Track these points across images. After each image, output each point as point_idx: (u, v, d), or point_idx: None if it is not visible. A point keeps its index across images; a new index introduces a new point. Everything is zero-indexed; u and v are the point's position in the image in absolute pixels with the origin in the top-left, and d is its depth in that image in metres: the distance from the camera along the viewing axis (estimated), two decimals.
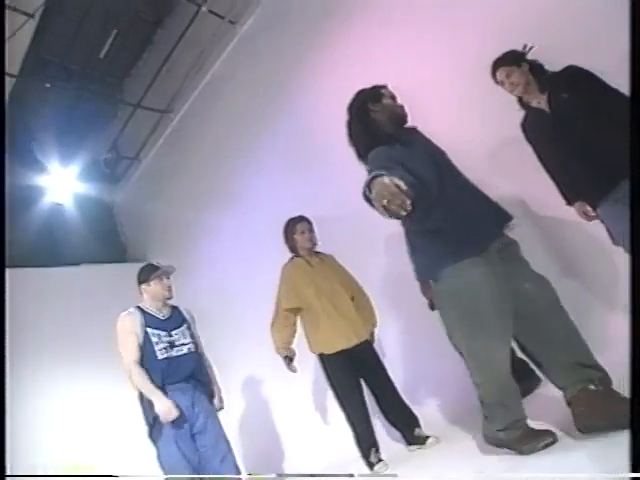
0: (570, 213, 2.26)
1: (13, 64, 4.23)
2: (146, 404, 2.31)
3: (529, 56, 2.24)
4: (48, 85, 4.96)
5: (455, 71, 2.90)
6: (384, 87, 2.00)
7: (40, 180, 5.01)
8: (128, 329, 2.38)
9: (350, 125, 2.00)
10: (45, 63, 4.98)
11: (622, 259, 2.09)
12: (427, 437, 2.56)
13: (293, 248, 2.87)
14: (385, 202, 1.38)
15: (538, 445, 1.64)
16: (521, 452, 1.66)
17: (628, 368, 0.99)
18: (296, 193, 3.77)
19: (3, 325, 1.68)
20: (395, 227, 1.94)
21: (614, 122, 1.99)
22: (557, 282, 2.67)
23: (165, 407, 2.23)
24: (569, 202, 2.24)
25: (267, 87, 4.16)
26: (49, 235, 5.25)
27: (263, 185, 4.17)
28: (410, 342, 3.21)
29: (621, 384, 1.80)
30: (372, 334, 2.79)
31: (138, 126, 5.30)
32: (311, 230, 2.87)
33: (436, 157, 1.90)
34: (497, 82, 2.24)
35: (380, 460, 2.55)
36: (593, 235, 2.35)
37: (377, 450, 2.58)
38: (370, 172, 1.78)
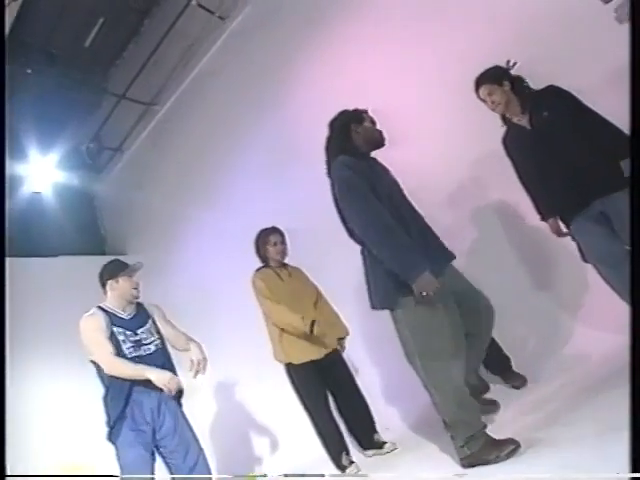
0: (545, 227, 2.32)
1: None
2: (110, 405, 2.22)
3: (513, 71, 2.28)
4: (29, 71, 4.84)
5: (441, 83, 2.94)
6: (365, 111, 2.07)
7: (18, 168, 4.89)
8: (94, 328, 2.25)
9: (330, 140, 2.05)
10: (27, 48, 4.84)
11: (592, 275, 2.16)
12: (384, 442, 2.65)
13: (264, 259, 2.87)
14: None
15: (502, 454, 1.69)
16: (488, 462, 1.71)
17: (628, 368, 1.03)
18: (278, 196, 3.77)
19: None
20: None
21: (589, 141, 2.05)
22: (528, 293, 2.76)
23: (165, 378, 2.13)
24: (543, 218, 2.29)
25: (255, 86, 4.14)
26: (26, 225, 5.13)
27: (246, 185, 4.15)
28: (378, 351, 3.24)
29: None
30: (342, 344, 2.81)
31: (122, 117, 5.22)
32: (283, 242, 2.87)
33: (393, 189, 1.98)
34: (480, 98, 2.28)
35: (352, 462, 2.58)
36: (566, 249, 2.40)
37: (347, 453, 2.62)
38: (334, 176, 1.90)
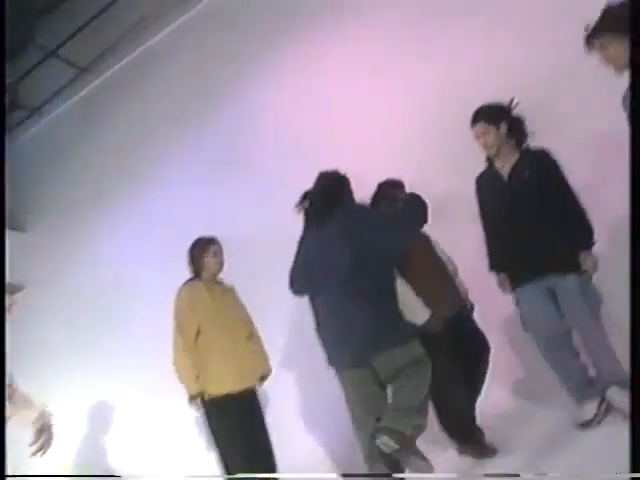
0: None
1: None
2: None
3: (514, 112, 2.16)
4: None
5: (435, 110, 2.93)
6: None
7: None
8: None
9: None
10: None
11: None
12: None
13: (198, 271, 2.55)
14: None
15: None
16: None
17: (628, 368, 1.06)
18: (208, 204, 3.54)
19: None
20: None
21: (557, 220, 2.03)
22: None
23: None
24: (492, 268, 2.25)
25: (209, 76, 3.86)
26: None
27: (178, 188, 3.83)
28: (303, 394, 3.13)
29: None
30: (262, 381, 2.60)
31: (47, 76, 4.54)
32: (221, 254, 2.58)
33: None
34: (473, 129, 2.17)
35: None
36: None
37: None
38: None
